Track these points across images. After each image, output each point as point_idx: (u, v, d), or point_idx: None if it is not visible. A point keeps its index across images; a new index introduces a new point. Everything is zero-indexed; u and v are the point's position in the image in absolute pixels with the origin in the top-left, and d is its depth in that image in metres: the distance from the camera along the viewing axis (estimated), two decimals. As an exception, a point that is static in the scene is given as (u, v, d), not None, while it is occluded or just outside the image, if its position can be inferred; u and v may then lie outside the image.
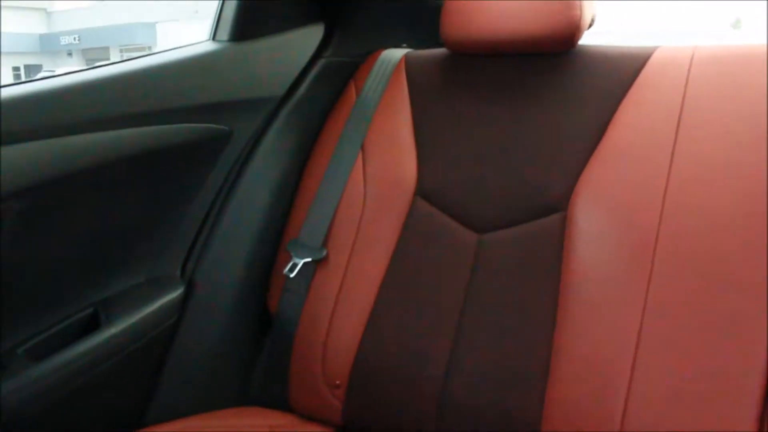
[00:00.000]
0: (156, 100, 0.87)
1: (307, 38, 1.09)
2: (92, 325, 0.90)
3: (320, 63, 1.09)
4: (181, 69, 0.92)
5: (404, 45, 1.20)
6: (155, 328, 0.94)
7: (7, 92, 0.73)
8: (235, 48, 0.99)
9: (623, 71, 0.87)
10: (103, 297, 0.94)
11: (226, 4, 1.01)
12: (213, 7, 1.04)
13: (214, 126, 0.96)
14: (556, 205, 0.84)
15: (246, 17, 1.00)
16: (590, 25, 0.95)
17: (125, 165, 0.85)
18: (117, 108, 0.83)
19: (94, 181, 0.83)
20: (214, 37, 1.02)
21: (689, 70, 0.82)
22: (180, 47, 0.96)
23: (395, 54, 1.09)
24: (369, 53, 1.14)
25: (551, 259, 0.82)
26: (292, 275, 0.98)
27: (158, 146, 0.88)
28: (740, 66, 0.79)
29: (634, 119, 0.82)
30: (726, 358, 0.67)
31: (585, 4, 0.88)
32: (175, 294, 0.98)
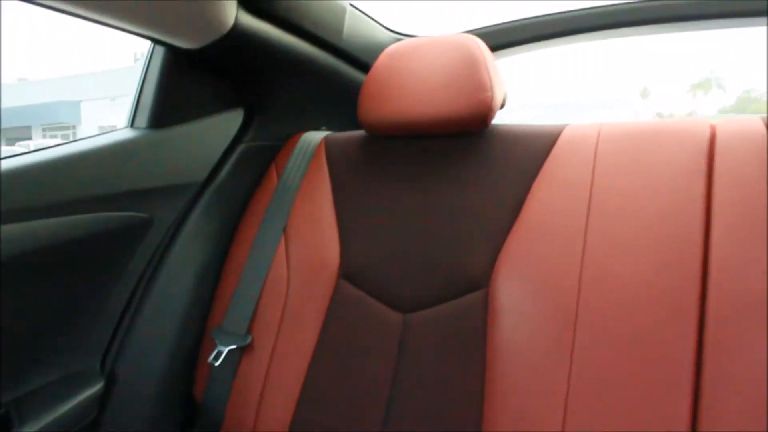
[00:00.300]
0: (73, 190, 0.86)
1: (227, 123, 1.10)
2: (4, 427, 0.85)
3: (240, 148, 1.10)
4: (98, 157, 0.91)
5: (324, 127, 1.23)
6: (74, 426, 0.90)
7: None
8: (153, 135, 0.99)
9: (535, 149, 0.90)
10: (16, 396, 0.89)
11: (144, 91, 1.01)
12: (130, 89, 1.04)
13: (133, 214, 0.94)
14: (478, 282, 0.85)
15: (164, 104, 1.00)
16: (502, 106, 0.99)
17: (40, 256, 0.83)
18: (32, 198, 0.80)
19: (6, 273, 0.80)
20: (132, 124, 1.01)
21: (596, 146, 0.86)
22: (97, 135, 0.95)
23: (315, 137, 1.11)
24: (289, 136, 1.15)
25: (476, 335, 0.83)
26: (217, 363, 0.95)
27: (76, 236, 0.86)
28: (646, 142, 0.84)
29: (548, 196, 0.85)
30: (651, 417, 0.69)
31: (496, 85, 0.93)
32: (95, 389, 0.94)
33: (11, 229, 0.78)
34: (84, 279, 0.92)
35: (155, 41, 0.93)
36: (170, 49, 0.97)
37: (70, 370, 0.96)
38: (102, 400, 0.95)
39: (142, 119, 1.00)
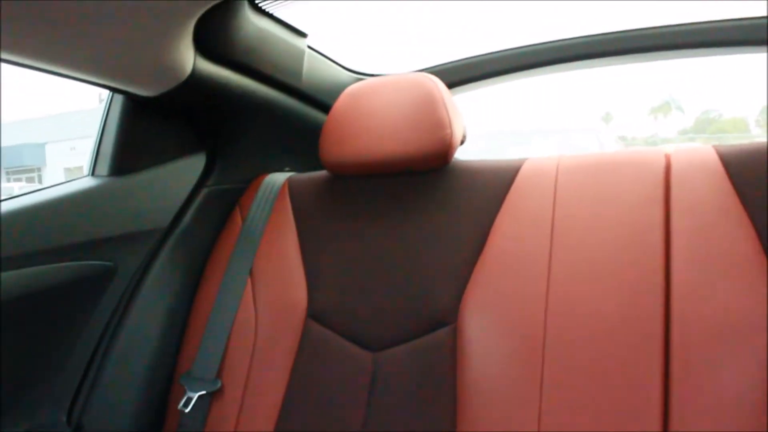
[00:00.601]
0: (35, 241, 0.85)
1: (189, 168, 1.10)
2: None
3: (203, 192, 1.10)
4: (59, 207, 0.90)
5: (287, 168, 1.23)
6: None
7: None
8: (115, 182, 0.98)
9: (496, 184, 0.92)
10: None
11: (104, 138, 1.01)
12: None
13: (97, 263, 0.93)
14: (446, 317, 0.86)
15: (125, 151, 1.00)
16: (462, 141, 1.01)
17: (2, 310, 0.81)
18: None
19: None
20: (93, 172, 1.01)
21: (556, 179, 0.88)
22: (57, 184, 0.95)
23: (278, 178, 1.12)
24: (252, 179, 1.16)
25: (446, 370, 0.83)
26: (187, 410, 0.94)
27: (39, 288, 0.85)
28: (603, 173, 0.86)
29: (511, 229, 0.87)
30: None
31: (455, 122, 0.94)
32: None
33: None
34: (48, 330, 0.91)
35: (113, 90, 0.93)
36: (129, 96, 0.97)
37: (36, 423, 0.94)
38: None
39: (103, 167, 1.00)
